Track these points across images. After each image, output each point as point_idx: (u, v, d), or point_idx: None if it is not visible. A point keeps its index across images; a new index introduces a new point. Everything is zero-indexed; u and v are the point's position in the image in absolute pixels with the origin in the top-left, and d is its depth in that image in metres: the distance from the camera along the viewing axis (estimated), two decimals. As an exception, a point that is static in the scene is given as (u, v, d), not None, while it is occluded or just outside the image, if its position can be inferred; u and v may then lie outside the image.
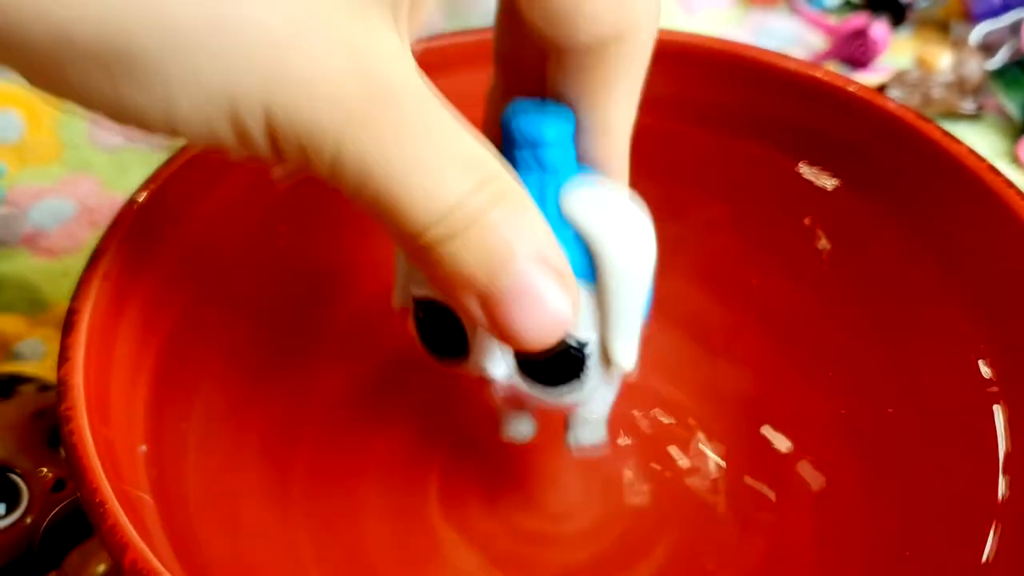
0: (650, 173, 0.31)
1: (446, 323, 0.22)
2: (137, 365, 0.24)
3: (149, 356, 0.25)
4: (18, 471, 0.28)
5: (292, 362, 0.30)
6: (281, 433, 0.28)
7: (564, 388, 0.22)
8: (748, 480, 0.28)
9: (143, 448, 0.23)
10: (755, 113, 0.30)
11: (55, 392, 0.30)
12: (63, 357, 0.22)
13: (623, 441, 0.30)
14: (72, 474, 0.20)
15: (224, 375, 0.28)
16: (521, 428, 0.26)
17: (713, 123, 0.31)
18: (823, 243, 0.30)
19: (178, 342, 0.26)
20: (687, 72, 0.30)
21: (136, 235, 0.25)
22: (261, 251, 0.29)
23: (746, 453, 0.29)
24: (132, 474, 0.22)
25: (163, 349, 0.25)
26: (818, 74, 0.28)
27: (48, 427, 0.29)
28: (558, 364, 0.21)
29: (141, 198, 0.25)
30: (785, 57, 0.29)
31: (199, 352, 0.27)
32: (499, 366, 0.22)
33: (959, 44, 0.48)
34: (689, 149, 0.31)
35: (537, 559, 0.28)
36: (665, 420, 0.30)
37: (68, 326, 0.23)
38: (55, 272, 0.40)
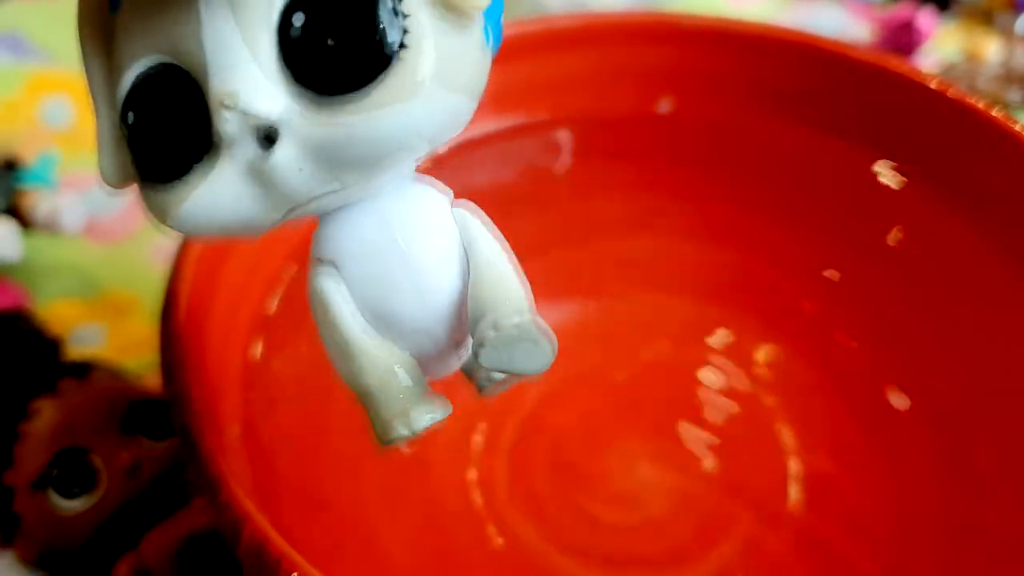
0: (727, 164, 0.32)
1: (177, 101, 0.15)
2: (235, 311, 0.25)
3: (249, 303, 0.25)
4: (95, 454, 0.28)
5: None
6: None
7: (371, 91, 0.14)
8: (821, 465, 0.28)
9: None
10: (831, 104, 0.30)
11: (128, 378, 0.31)
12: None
13: (691, 427, 0.30)
14: (184, 451, 0.20)
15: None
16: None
17: (789, 114, 0.31)
18: (894, 235, 0.30)
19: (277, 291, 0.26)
20: (763, 61, 0.30)
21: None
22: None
23: (819, 439, 0.29)
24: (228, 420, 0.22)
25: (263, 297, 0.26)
26: (897, 67, 0.29)
27: (123, 412, 0.29)
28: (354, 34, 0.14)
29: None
30: (861, 49, 0.29)
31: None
32: (264, 94, 0.14)
33: (1005, 33, 0.48)
34: (766, 141, 0.31)
35: (603, 545, 0.28)
36: (735, 407, 0.30)
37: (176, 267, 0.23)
38: (110, 259, 0.40)
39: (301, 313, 0.27)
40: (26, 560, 0.29)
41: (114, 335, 0.37)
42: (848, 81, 0.30)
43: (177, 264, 0.24)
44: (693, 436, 0.30)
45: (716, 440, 0.29)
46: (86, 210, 0.40)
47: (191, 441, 0.20)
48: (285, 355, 0.27)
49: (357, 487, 0.27)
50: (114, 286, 0.39)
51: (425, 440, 0.28)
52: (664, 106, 0.32)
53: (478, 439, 0.29)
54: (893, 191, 0.30)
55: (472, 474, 0.29)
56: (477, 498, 0.28)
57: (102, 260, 0.40)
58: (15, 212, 0.37)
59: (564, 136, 0.32)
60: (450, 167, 0.30)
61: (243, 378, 0.25)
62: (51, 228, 0.37)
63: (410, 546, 0.27)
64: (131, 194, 0.44)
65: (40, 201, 0.37)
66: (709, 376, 0.31)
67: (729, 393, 0.30)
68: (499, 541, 0.27)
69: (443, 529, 0.27)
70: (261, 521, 0.18)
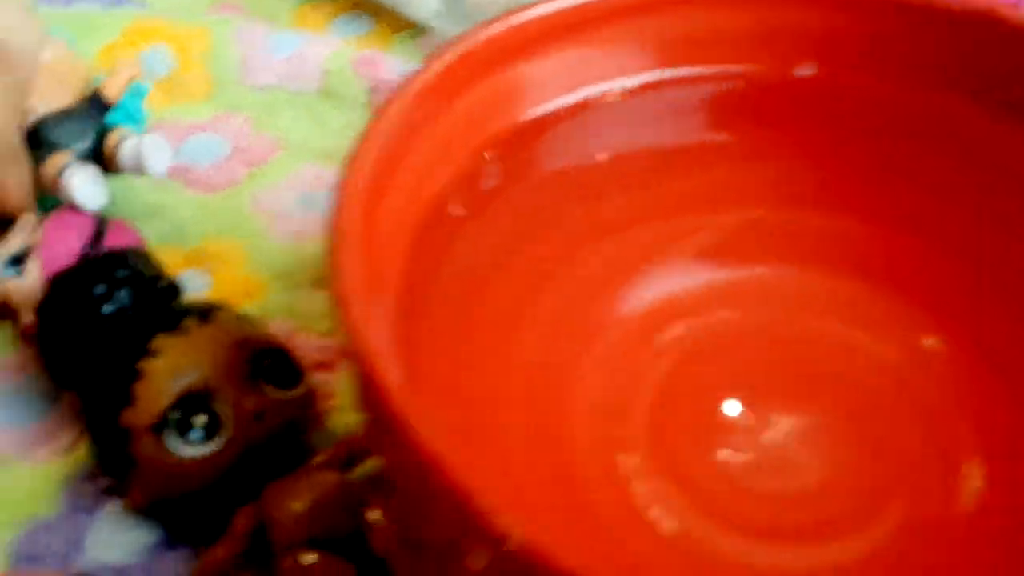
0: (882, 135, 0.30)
1: None
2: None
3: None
4: (222, 398, 0.27)
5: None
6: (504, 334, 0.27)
7: None
8: (987, 453, 0.27)
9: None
10: (993, 77, 0.29)
11: (252, 321, 0.29)
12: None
13: (843, 399, 0.28)
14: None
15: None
16: None
17: (947, 85, 0.29)
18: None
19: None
20: (928, 31, 0.29)
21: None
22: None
23: (988, 428, 0.27)
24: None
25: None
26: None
27: (248, 357, 0.28)
28: None
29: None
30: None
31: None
32: None
33: None
34: (924, 114, 0.30)
35: (750, 512, 0.26)
36: (895, 386, 0.29)
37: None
38: (211, 206, 0.38)
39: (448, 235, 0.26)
40: (136, 507, 0.28)
41: (219, 283, 0.36)
42: (1013, 50, 0.28)
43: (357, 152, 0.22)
44: (845, 409, 0.28)
45: (872, 416, 0.28)
46: (172, 151, 0.38)
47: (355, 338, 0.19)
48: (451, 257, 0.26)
49: (497, 419, 0.26)
50: (214, 235, 0.38)
51: (568, 394, 0.28)
52: (805, 70, 0.30)
53: (621, 397, 0.28)
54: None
55: (614, 431, 0.27)
56: (619, 458, 0.27)
57: (199, 209, 0.38)
58: (103, 156, 0.36)
59: (701, 94, 0.30)
60: (598, 117, 0.29)
61: (405, 277, 0.23)
62: (136, 171, 0.35)
63: (544, 493, 0.25)
64: (231, 142, 0.42)
65: (124, 143, 0.35)
66: (868, 353, 0.29)
67: (889, 371, 0.29)
68: (639, 500, 0.26)
69: (579, 484, 0.26)
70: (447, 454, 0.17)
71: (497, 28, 0.26)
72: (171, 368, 0.27)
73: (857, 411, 0.28)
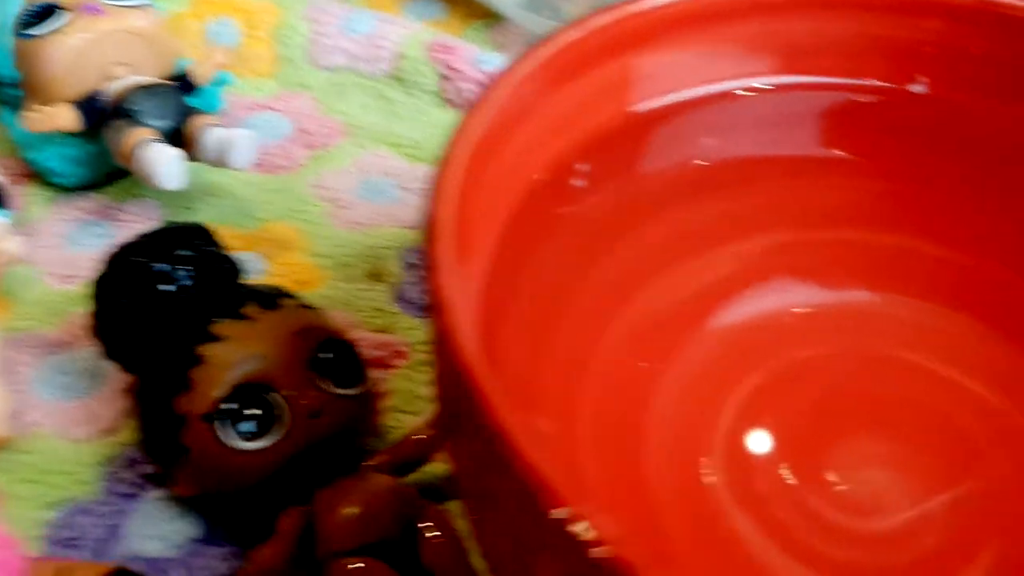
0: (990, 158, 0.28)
1: None
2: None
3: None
4: (280, 391, 0.25)
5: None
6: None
7: None
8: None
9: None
10: None
11: (315, 312, 0.28)
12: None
13: (931, 435, 0.27)
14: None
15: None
16: None
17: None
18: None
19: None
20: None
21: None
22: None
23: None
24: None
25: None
26: None
27: (310, 348, 0.26)
28: None
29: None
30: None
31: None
32: None
33: None
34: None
35: (830, 551, 0.25)
36: (985, 422, 0.27)
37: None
38: (270, 188, 0.37)
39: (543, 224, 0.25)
40: (182, 497, 0.27)
41: (275, 268, 0.34)
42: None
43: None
44: (933, 445, 0.26)
45: (960, 454, 0.26)
46: (257, 147, 0.37)
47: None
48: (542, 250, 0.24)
49: (571, 414, 0.24)
50: (273, 219, 0.36)
51: (645, 397, 0.26)
52: (919, 87, 0.28)
53: (697, 413, 0.26)
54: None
55: (692, 450, 0.26)
56: (697, 479, 0.25)
57: (261, 191, 0.37)
58: (182, 138, 0.34)
59: (810, 104, 0.28)
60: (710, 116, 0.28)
61: (494, 267, 0.22)
62: (217, 162, 0.34)
63: (615, 495, 0.24)
64: (294, 123, 0.41)
65: (209, 132, 0.34)
66: (964, 392, 0.27)
67: (979, 406, 0.27)
68: (715, 527, 0.25)
69: (653, 496, 0.25)
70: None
71: (609, 17, 0.24)
72: (231, 356, 0.25)
73: (947, 447, 0.27)
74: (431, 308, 0.18)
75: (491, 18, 0.44)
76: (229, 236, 0.35)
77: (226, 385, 0.25)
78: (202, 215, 0.36)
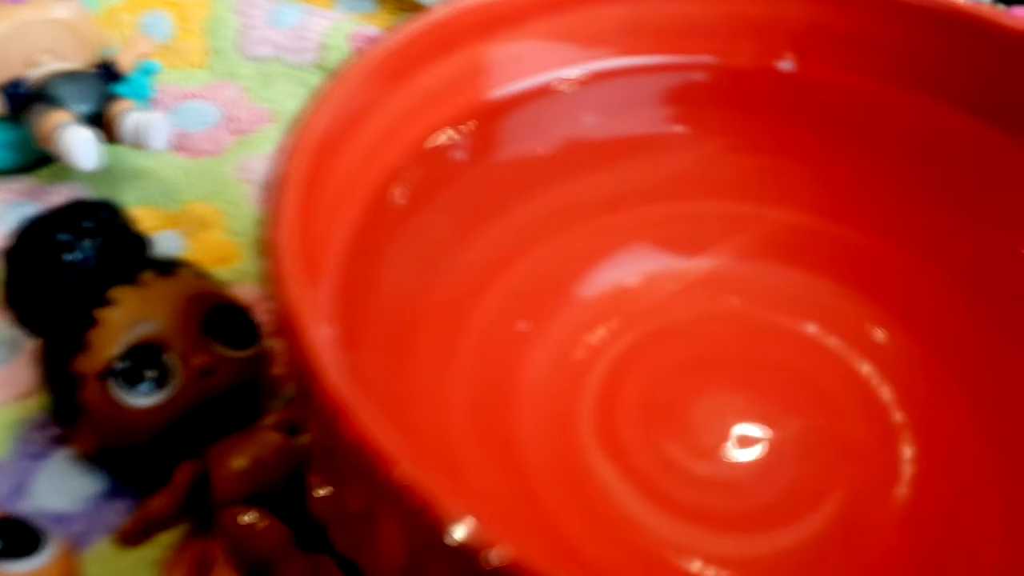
0: (853, 131, 0.30)
1: None
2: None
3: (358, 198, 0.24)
4: (172, 351, 0.27)
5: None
6: (454, 314, 0.27)
7: None
8: (932, 448, 0.27)
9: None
10: (979, 82, 0.28)
11: (211, 280, 0.29)
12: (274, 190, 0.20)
13: (790, 391, 0.28)
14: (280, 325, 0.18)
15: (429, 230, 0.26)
16: None
17: (927, 88, 0.29)
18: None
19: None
20: (905, 28, 0.29)
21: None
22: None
23: (932, 423, 0.27)
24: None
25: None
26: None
27: (203, 312, 0.28)
28: None
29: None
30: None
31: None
32: None
33: None
34: (898, 114, 0.29)
35: (686, 496, 0.26)
36: (842, 381, 0.28)
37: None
38: (195, 172, 0.39)
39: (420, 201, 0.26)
40: (83, 454, 0.28)
41: (195, 246, 0.36)
42: (1003, 58, 0.28)
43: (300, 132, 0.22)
44: (789, 398, 0.28)
45: (815, 406, 0.28)
46: (173, 129, 0.39)
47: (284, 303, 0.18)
48: (394, 244, 0.25)
49: (443, 399, 0.26)
50: (196, 199, 0.38)
51: (513, 366, 0.28)
52: (786, 64, 0.30)
53: (566, 377, 0.28)
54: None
55: (558, 407, 0.27)
56: (562, 431, 0.27)
57: (186, 174, 0.39)
58: (102, 122, 0.36)
59: (678, 82, 0.30)
60: (567, 99, 0.29)
61: (347, 259, 0.23)
62: (135, 144, 0.36)
63: (488, 467, 0.25)
64: (222, 110, 0.42)
65: (127, 116, 0.35)
66: (811, 342, 0.29)
67: (832, 361, 0.29)
68: (581, 479, 0.26)
69: (523, 455, 0.26)
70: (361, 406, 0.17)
71: (462, 5, 0.25)
72: (125, 318, 0.27)
73: (803, 400, 0.28)
74: (279, 329, 0.18)
75: (419, 11, 0.46)
76: (152, 216, 0.37)
77: (120, 345, 0.26)
78: (128, 196, 0.37)
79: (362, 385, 0.21)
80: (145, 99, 0.40)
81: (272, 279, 0.18)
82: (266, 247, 0.19)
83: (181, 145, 0.40)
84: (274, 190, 0.20)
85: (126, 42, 0.39)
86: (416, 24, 0.25)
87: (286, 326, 0.18)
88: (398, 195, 0.25)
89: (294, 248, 0.19)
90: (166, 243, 0.36)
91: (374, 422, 0.16)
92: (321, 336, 0.17)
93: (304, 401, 0.18)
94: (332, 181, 0.22)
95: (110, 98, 0.36)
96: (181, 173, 0.39)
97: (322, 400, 0.17)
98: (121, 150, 0.37)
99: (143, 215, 0.37)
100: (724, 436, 0.27)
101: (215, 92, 0.42)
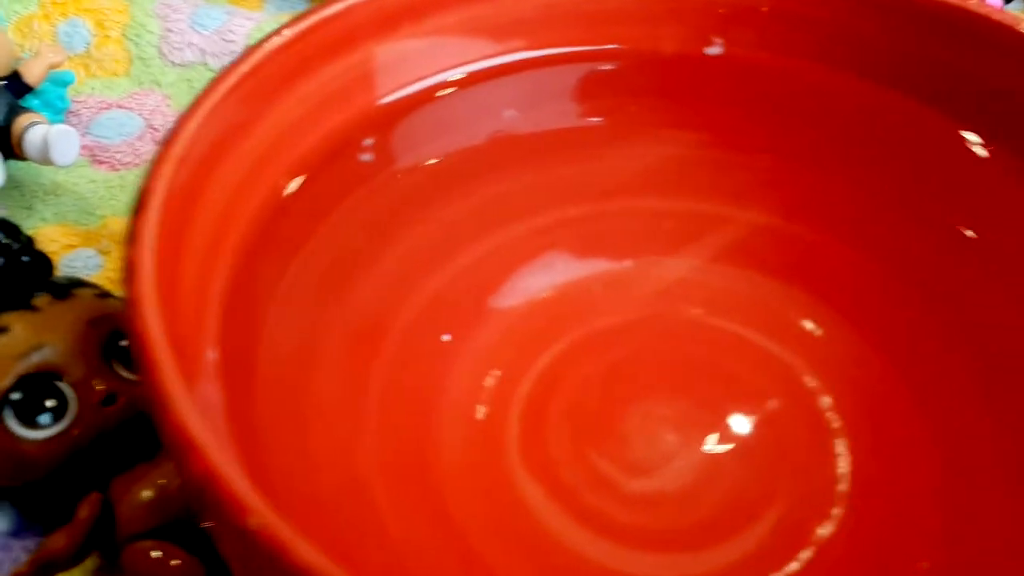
0: (780, 114, 0.29)
1: None
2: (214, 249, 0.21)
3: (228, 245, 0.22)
4: (68, 379, 0.25)
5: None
6: (364, 337, 0.26)
7: None
8: (871, 449, 0.25)
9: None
10: (906, 61, 0.27)
11: (114, 300, 0.28)
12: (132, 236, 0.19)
13: (724, 397, 0.27)
14: (139, 368, 0.17)
15: (310, 266, 0.25)
16: None
17: (855, 68, 0.28)
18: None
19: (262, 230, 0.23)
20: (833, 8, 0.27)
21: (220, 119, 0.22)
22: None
23: (870, 422, 0.26)
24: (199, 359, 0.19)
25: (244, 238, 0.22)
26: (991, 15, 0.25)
27: (104, 336, 0.26)
28: None
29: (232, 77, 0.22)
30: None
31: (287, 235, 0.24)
32: None
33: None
34: (825, 95, 0.28)
35: (618, 515, 0.25)
36: (776, 380, 0.27)
37: (139, 205, 0.20)
38: (114, 185, 0.37)
39: (296, 233, 0.24)
40: (-14, 491, 0.27)
41: (113, 264, 0.34)
42: (929, 35, 0.27)
43: (154, 168, 0.20)
44: (725, 406, 0.26)
45: (752, 413, 0.26)
46: (90, 141, 0.38)
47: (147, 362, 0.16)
48: (274, 278, 0.24)
49: (349, 427, 0.24)
50: (115, 215, 0.36)
51: (434, 385, 0.26)
52: (714, 49, 0.29)
53: (489, 385, 0.26)
54: (971, 164, 0.27)
55: (481, 422, 0.26)
56: (485, 450, 0.25)
57: (104, 188, 0.37)
58: (7, 136, 0.34)
59: (604, 71, 0.29)
60: (479, 95, 0.28)
61: (225, 300, 0.21)
62: (41, 160, 0.34)
63: (406, 507, 0.24)
64: (141, 120, 0.41)
65: (32, 130, 0.33)
66: (748, 344, 0.27)
67: (770, 364, 0.27)
68: (507, 501, 0.25)
69: (443, 483, 0.24)
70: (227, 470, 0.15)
71: (343, 5, 0.24)
72: (17, 347, 0.25)
73: (740, 406, 0.27)
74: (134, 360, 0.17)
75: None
76: (67, 233, 0.35)
77: (11, 376, 0.25)
78: (43, 214, 0.36)
79: (246, 410, 0.20)
80: (60, 111, 0.38)
81: (126, 305, 0.17)
82: (124, 269, 0.18)
83: (101, 158, 0.38)
84: (135, 208, 0.19)
85: (33, 52, 0.37)
86: (307, 21, 0.24)
87: (138, 356, 0.16)
88: (291, 211, 0.24)
89: (150, 270, 0.17)
90: (82, 262, 0.34)
91: (226, 464, 0.15)
92: (171, 366, 0.16)
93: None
94: (209, 201, 0.21)
95: (16, 111, 0.35)
96: (99, 187, 0.37)
97: (172, 438, 0.15)
98: (34, 165, 0.36)
99: (57, 233, 0.35)
100: (658, 449, 0.26)
101: (137, 101, 0.40)
